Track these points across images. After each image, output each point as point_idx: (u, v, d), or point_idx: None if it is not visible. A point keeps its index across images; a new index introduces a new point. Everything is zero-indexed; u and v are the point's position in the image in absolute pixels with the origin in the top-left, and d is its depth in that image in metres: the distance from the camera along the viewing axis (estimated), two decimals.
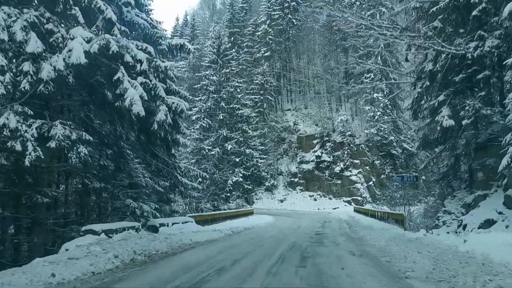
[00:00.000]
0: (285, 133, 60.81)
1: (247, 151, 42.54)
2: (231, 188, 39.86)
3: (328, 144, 54.81)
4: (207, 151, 40.43)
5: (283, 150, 60.49)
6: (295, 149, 59.05)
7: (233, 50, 66.56)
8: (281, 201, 56.21)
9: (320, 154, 54.55)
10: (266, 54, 62.85)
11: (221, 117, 41.72)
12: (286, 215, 42.01)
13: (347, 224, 27.17)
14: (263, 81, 60.10)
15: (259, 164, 44.71)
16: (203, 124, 42.04)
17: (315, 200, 54.46)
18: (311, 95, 60.86)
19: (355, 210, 40.64)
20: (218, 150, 40.60)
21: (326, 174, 54.21)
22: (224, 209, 37.83)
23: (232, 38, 68.76)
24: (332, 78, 56.72)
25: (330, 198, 53.67)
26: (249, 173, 42.44)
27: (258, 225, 27.97)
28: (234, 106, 42.76)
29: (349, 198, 51.92)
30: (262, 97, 59.94)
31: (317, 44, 60.33)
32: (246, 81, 62.53)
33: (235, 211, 32.43)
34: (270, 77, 61.48)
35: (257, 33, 64.38)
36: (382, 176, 51.36)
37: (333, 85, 57.19)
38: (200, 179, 28.37)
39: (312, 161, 55.83)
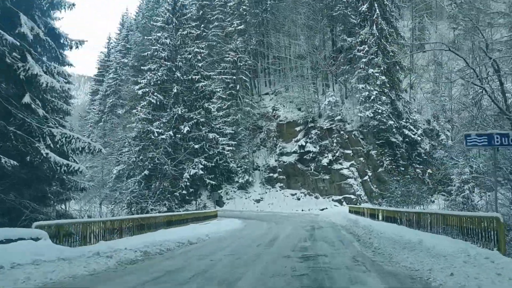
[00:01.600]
0: (263, 120, 51.09)
1: (210, 135, 32.71)
2: (187, 183, 30.00)
3: (313, 131, 45.24)
4: (156, 135, 30.49)
5: (260, 140, 50.74)
6: (274, 138, 49.36)
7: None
8: (258, 201, 46.40)
9: (304, 144, 44.93)
10: (239, 27, 53.07)
11: (176, 91, 31.79)
12: (261, 219, 32.29)
13: (351, 234, 17.57)
14: (235, 59, 50.26)
15: (226, 153, 34.81)
16: (153, 101, 32.07)
17: (299, 199, 44.82)
18: (293, 74, 51.20)
19: (352, 211, 31.08)
20: (171, 134, 30.76)
21: (312, 167, 44.61)
22: (170, 212, 27.86)
23: (201, 12, 58.77)
24: (317, 53, 47.15)
25: (316, 197, 44.06)
26: (213, 164, 32.59)
27: (213, 235, 18.19)
28: (194, 77, 32.84)
29: (340, 197, 42.39)
30: (234, 77, 50.10)
31: (300, 14, 50.72)
32: (216, 60, 52.66)
33: (180, 215, 22.39)
34: (245, 55, 51.70)
35: (229, 4, 54.50)
36: (380, 169, 41.99)
37: (319, 63, 47.68)
38: (122, 167, 18.22)
39: (294, 152, 46.20)
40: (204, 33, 55.99)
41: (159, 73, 32.42)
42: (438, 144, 43.84)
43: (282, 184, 46.72)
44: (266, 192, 46.90)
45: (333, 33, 49.50)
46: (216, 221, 29.04)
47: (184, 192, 30.70)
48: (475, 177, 33.04)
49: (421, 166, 42.43)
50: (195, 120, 32.04)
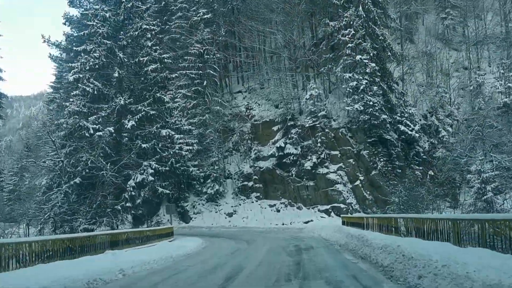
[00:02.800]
0: (235, 121, 44.14)
1: (164, 132, 25.56)
2: (133, 193, 22.83)
3: (293, 130, 38.53)
4: (92, 132, 23.31)
5: (233, 144, 43.76)
6: (249, 141, 42.46)
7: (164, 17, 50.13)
8: (230, 214, 39.23)
9: (283, 145, 38.12)
10: (206, 16, 46.32)
11: (118, 75, 24.71)
12: (231, 237, 25.32)
13: (363, 260, 10.82)
14: (201, 51, 43.42)
15: (184, 153, 27.65)
16: (89, 89, 24.95)
17: (278, 211, 37.83)
18: (269, 67, 44.46)
19: (347, 223, 24.34)
20: (112, 130, 23.55)
21: (293, 173, 37.80)
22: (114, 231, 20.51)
23: (163, 3, 51.86)
24: (296, 40, 40.68)
25: (299, 208, 37.16)
26: (167, 169, 25.31)
27: (137, 269, 10.98)
28: (142, 59, 25.83)
29: (327, 206, 35.61)
30: (201, 72, 43.20)
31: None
32: (181, 54, 45.65)
33: (94, 237, 14.87)
34: (213, 47, 44.93)
35: None
36: (373, 172, 35.47)
37: (297, 52, 41.20)
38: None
39: (272, 156, 39.34)
40: (167, 26, 49.16)
41: (96, 54, 25.24)
42: (438, 141, 37.64)
43: (258, 194, 39.72)
44: (239, 204, 39.78)
45: (314, 18, 43.14)
46: (168, 242, 21.89)
47: (128, 204, 23.33)
48: (499, 175, 26.82)
49: (420, 168, 36.08)
50: (143, 113, 24.88)
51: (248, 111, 44.49)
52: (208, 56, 43.92)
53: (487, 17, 50.04)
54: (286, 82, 41.43)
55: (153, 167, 24.45)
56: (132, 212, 25.26)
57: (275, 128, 39.86)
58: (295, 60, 41.13)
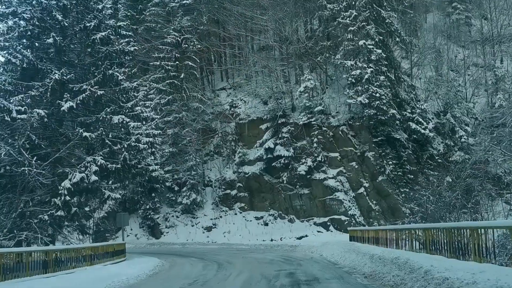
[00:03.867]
0: (217, 121, 38.02)
1: (116, 118, 19.36)
2: (67, 197, 16.65)
3: (284, 129, 32.52)
4: (15, 114, 17.20)
5: (214, 146, 37.61)
6: (233, 143, 36.35)
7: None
8: (208, 229, 32.93)
9: (272, 146, 32.06)
10: (186, 1, 40.62)
11: (54, 41, 18.70)
12: (202, 257, 19.19)
13: None
14: (179, 40, 37.59)
15: (142, 146, 21.35)
16: (15, 61, 18.96)
17: (266, 224, 31.63)
18: (258, 57, 38.44)
19: (357, 237, 18.20)
20: (42, 113, 17.56)
21: (284, 179, 31.69)
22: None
23: None
24: (287, 24, 34.94)
25: (291, 220, 31.00)
26: (120, 166, 19.08)
27: None
28: (88, 25, 19.84)
29: (325, 219, 29.53)
30: (178, 64, 37.29)
31: None
32: (156, 46, 39.66)
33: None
34: (193, 36, 39.11)
35: None
36: (380, 177, 29.62)
37: (289, 39, 35.43)
38: None
39: (259, 159, 33.28)
40: (142, 16, 43.38)
41: (27, 15, 19.16)
42: (455, 143, 31.86)
43: (243, 205, 33.50)
44: (220, 217, 33.49)
45: (309, 1, 37.45)
46: (110, 265, 15.61)
47: (61, 213, 17.06)
48: None
49: (435, 173, 30.13)
50: (88, 94, 18.71)
51: (232, 109, 38.45)
52: (187, 46, 38.07)
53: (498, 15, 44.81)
54: (277, 74, 35.52)
55: (99, 163, 18.14)
56: (66, 224, 18.78)
57: (263, 127, 33.82)
58: (287, 48, 35.30)
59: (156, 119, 36.19)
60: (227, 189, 34.46)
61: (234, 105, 38.74)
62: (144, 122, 22.58)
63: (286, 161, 31.48)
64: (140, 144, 20.97)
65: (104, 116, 19.34)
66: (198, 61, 39.29)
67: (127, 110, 20.58)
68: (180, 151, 35.59)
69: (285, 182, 31.67)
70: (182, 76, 37.19)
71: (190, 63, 37.87)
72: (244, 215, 32.96)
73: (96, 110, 19.97)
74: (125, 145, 19.59)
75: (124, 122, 19.69)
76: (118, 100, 20.68)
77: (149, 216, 33.85)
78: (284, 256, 17.95)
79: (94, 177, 17.91)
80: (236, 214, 33.31)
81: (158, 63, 37.59)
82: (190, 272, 13.91)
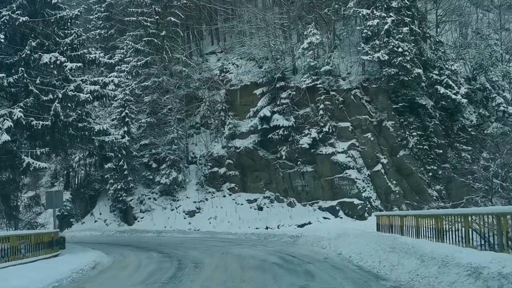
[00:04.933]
0: (204, 89, 32.14)
1: (46, 57, 13.46)
2: None
3: (284, 94, 26.79)
4: None
5: (201, 118, 31.83)
6: (222, 113, 30.57)
7: None
8: (191, 213, 27.40)
9: (268, 115, 26.36)
10: None
11: None
12: (167, 254, 13.64)
13: None
14: None
15: (83, 96, 15.47)
16: None
17: (260, 209, 26.11)
18: (253, 10, 32.37)
19: (393, 226, 12.45)
20: None
21: (283, 154, 26.06)
22: None
23: None
24: None
25: (291, 204, 25.46)
26: (49, 123, 13.36)
27: None
28: None
29: (334, 202, 23.96)
30: (158, 19, 31.39)
31: None
32: (136, 1, 33.63)
33: None
34: None
35: None
36: (402, 152, 24.01)
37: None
38: None
39: (253, 131, 27.67)
40: None
41: None
42: (490, 112, 26.26)
43: (233, 185, 27.92)
44: (206, 199, 27.90)
45: None
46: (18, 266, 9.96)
47: None
48: None
49: (469, 148, 24.56)
50: (5, 21, 12.83)
51: (222, 74, 32.62)
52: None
53: None
54: (275, 28, 29.60)
55: (16, 117, 12.42)
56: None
57: (257, 92, 28.03)
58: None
59: (131, 85, 30.73)
60: (214, 167, 28.84)
61: (224, 70, 32.93)
62: (90, 65, 16.53)
63: (285, 133, 25.78)
64: (81, 94, 15.07)
65: (28, 53, 13.49)
66: (183, 17, 33.39)
67: (65, 48, 14.70)
68: (159, 121, 29.89)
69: (284, 157, 26.04)
70: (163, 34, 31.34)
71: (173, 19, 31.98)
72: (234, 198, 27.39)
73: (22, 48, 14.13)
74: (59, 95, 13.75)
75: (58, 62, 13.84)
76: (52, 31, 14.77)
77: (121, 198, 28.23)
78: (282, 253, 12.43)
79: (5, 137, 12.15)
80: (224, 196, 27.73)
81: (135, 18, 31.65)
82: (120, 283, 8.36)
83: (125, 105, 29.19)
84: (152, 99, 30.24)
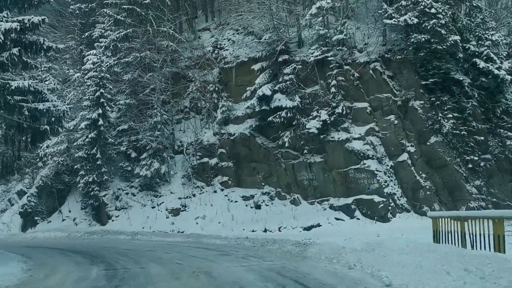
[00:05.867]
0: (195, 69, 27.46)
1: None
2: None
3: (287, 70, 22.19)
4: None
5: (190, 101, 27.21)
6: (214, 95, 25.98)
7: None
8: (175, 212, 22.89)
9: (268, 93, 21.76)
10: None
11: None
12: (117, 272, 8.53)
13: None
14: None
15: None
16: None
17: (258, 207, 21.59)
18: None
19: (462, 234, 7.68)
20: None
21: (285, 142, 21.45)
22: None
23: None
24: None
25: (295, 202, 20.91)
26: None
27: None
28: None
29: (349, 200, 19.39)
30: None
31: None
32: None
33: None
34: None
35: None
36: (434, 138, 19.35)
37: None
38: None
39: (250, 115, 23.21)
40: None
41: None
42: None
43: (225, 179, 23.40)
44: (193, 195, 23.39)
45: None
46: None
47: None
48: None
49: None
50: None
51: (216, 51, 28.03)
52: None
53: None
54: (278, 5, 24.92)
55: None
56: None
57: (256, 68, 23.45)
58: None
59: (109, 62, 26.22)
60: (204, 157, 24.33)
61: (219, 46, 28.36)
62: None
63: (288, 115, 21.20)
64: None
65: None
66: None
67: None
68: (140, 103, 25.37)
69: (287, 145, 21.48)
70: (147, 1, 26.81)
71: None
72: (227, 194, 22.88)
73: None
74: None
75: None
76: None
77: (93, 193, 23.67)
78: (287, 275, 7.89)
79: None
80: (215, 191, 23.22)
81: None
82: None
83: (100, 83, 24.61)
84: (133, 77, 25.73)
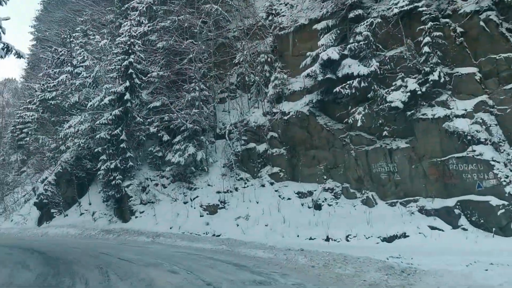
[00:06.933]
0: (243, 40, 22.55)
1: None
2: None
3: (360, 28, 16.65)
4: None
5: (237, 76, 22.41)
6: (266, 67, 20.91)
7: None
8: (212, 209, 18.17)
9: (335, 57, 16.42)
10: None
11: None
12: None
13: None
14: None
15: None
16: None
17: (318, 207, 16.31)
18: None
19: None
20: None
21: (356, 121, 15.87)
22: None
23: None
24: None
25: (368, 201, 15.42)
26: None
27: None
28: None
29: (450, 202, 13.56)
30: None
31: None
32: None
33: None
34: None
35: None
36: None
37: None
38: None
39: (309, 89, 17.97)
40: None
41: None
42: None
43: (277, 169, 18.38)
44: (235, 189, 18.57)
45: None
46: None
47: None
48: None
49: None
50: None
51: (270, 17, 22.97)
52: None
53: None
54: None
55: None
56: None
57: (319, 27, 18.11)
58: None
59: (143, 28, 22.08)
60: (250, 142, 19.40)
61: (273, 12, 23.25)
62: None
63: (362, 85, 15.75)
64: None
65: None
66: None
67: None
68: (176, 76, 20.93)
69: (358, 126, 16.02)
70: None
71: None
72: (278, 189, 17.82)
73: None
74: None
75: None
76: None
77: (114, 183, 19.44)
78: None
79: None
80: (263, 185, 18.25)
81: None
82: None
83: (130, 51, 20.42)
84: (169, 44, 21.30)
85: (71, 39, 27.08)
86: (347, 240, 13.90)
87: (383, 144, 15.54)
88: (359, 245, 13.15)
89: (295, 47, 20.73)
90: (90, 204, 21.16)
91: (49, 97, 26.28)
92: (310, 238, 14.45)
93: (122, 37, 20.59)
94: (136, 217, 19.01)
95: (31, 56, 43.78)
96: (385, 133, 15.40)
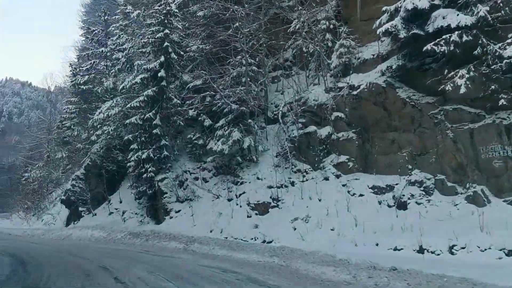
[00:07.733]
0: (302, 7, 18.81)
1: None
2: None
3: None
4: None
5: (293, 51, 18.63)
6: (328, 35, 16.97)
7: None
8: (261, 209, 14.46)
9: (424, 5, 12.18)
10: None
11: None
12: None
13: None
14: None
15: None
16: None
17: (402, 206, 12.16)
18: None
19: None
20: None
21: (460, 85, 11.48)
22: None
23: None
24: None
25: (475, 199, 11.10)
26: None
27: None
28: None
29: None
30: None
31: None
32: None
33: None
34: None
35: None
36: None
37: None
38: None
39: (385, 55, 13.84)
40: None
41: None
42: None
43: (344, 158, 14.38)
44: (291, 183, 14.80)
45: None
46: None
47: None
48: None
49: None
50: None
51: None
52: None
53: None
54: None
55: None
56: None
57: None
58: None
59: None
60: (310, 125, 15.53)
61: None
62: None
63: (462, 40, 11.43)
64: None
65: None
66: None
67: None
68: (220, 49, 17.53)
69: (457, 98, 11.72)
70: None
71: None
72: (347, 182, 13.86)
73: None
74: None
75: None
76: None
77: (146, 176, 16.28)
78: None
79: None
80: (327, 178, 14.33)
81: None
82: None
83: (165, 21, 17.26)
84: (211, 12, 17.92)
85: (106, 17, 24.51)
86: (451, 253, 9.72)
87: (497, 119, 11.19)
88: (472, 260, 8.99)
89: (364, 9, 16.68)
90: (120, 202, 18.25)
91: (81, 82, 23.87)
92: (395, 249, 10.41)
93: (157, 6, 17.49)
94: (171, 217, 15.73)
95: (79, 51, 42.37)
96: (501, 103, 11.02)
